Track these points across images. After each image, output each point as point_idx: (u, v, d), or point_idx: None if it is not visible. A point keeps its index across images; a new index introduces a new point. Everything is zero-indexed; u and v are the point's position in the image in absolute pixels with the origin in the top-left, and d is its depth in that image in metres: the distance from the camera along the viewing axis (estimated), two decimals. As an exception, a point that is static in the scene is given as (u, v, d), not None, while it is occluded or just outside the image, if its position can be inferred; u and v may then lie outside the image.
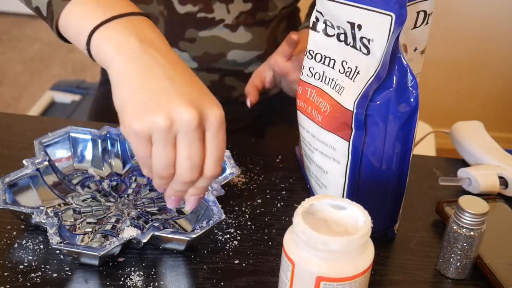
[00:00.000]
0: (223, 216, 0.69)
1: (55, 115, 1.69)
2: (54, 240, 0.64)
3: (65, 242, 0.65)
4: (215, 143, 0.59)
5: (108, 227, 0.71)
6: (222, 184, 0.74)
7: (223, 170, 0.77)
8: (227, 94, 1.05)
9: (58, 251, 0.68)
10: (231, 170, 0.77)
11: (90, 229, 0.71)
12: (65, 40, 0.66)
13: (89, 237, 0.70)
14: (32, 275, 0.65)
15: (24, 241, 0.69)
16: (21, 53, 2.75)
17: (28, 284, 0.64)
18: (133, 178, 0.80)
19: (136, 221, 0.72)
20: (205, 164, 0.60)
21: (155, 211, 0.74)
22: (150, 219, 0.73)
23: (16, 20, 2.96)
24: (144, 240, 0.66)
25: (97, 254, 0.64)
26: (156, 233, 0.67)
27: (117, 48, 0.59)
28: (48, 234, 0.65)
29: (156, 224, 0.71)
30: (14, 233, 0.70)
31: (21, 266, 0.66)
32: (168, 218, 0.73)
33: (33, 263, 0.66)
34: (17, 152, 0.83)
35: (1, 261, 0.66)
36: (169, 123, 0.56)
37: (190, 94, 0.58)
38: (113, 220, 0.72)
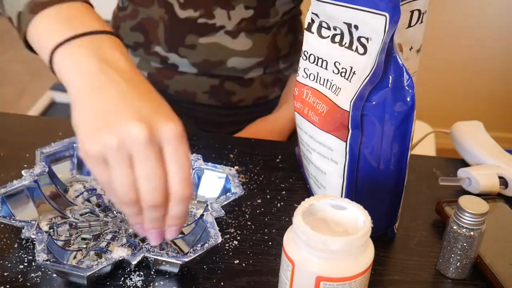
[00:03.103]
0: (220, 240, 0.66)
1: (55, 115, 1.70)
2: (40, 257, 0.61)
3: (51, 260, 0.62)
4: (175, 160, 0.54)
5: (103, 244, 0.68)
6: (223, 205, 0.71)
7: (227, 190, 0.75)
8: (226, 99, 1.05)
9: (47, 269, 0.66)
10: (235, 189, 0.73)
11: (85, 246, 0.68)
12: (33, 51, 0.64)
13: (82, 254, 0.67)
14: (32, 275, 0.65)
15: (24, 241, 0.69)
16: (21, 53, 2.74)
17: (28, 284, 0.64)
18: None
19: (132, 238, 0.69)
20: (170, 184, 0.55)
21: None
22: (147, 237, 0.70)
23: (16, 20, 2.95)
24: (134, 262, 0.64)
25: (83, 274, 0.61)
26: (147, 254, 0.64)
27: (76, 68, 0.57)
28: (35, 250, 0.62)
29: (152, 244, 0.68)
30: (14, 233, 0.70)
31: (21, 266, 0.66)
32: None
33: (33, 263, 0.66)
34: (17, 152, 0.83)
35: (1, 261, 0.66)
36: (117, 140, 0.52)
37: (141, 109, 0.54)
38: (109, 237, 0.69)
